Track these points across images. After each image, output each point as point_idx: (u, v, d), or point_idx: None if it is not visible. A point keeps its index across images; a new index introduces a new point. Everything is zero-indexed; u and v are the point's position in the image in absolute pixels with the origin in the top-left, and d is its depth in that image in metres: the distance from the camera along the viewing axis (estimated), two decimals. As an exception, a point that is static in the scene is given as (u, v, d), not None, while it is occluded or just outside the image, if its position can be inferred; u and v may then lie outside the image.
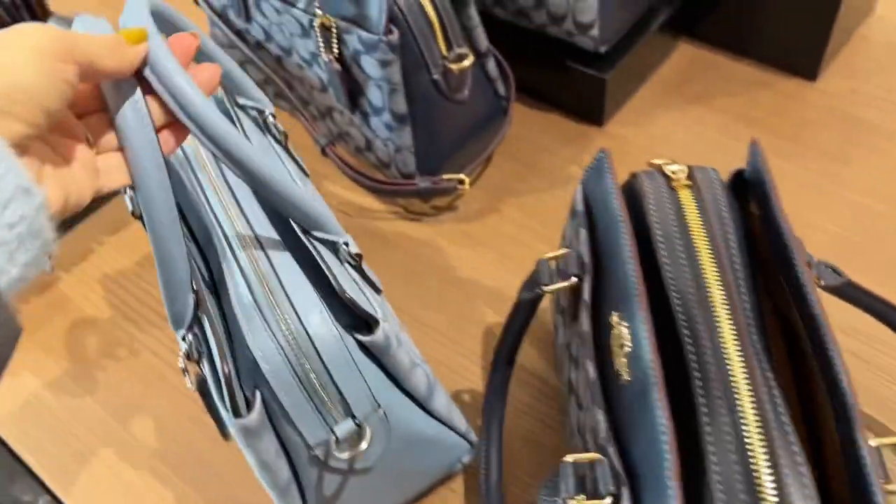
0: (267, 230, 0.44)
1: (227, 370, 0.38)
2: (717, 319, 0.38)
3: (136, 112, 0.35)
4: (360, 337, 0.40)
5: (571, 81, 0.72)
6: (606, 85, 0.70)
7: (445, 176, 0.67)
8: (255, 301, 0.40)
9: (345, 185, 0.73)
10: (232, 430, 0.41)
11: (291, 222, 0.42)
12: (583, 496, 0.37)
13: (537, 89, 0.76)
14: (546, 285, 0.45)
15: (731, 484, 0.33)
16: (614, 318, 0.41)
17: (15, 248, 0.28)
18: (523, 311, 0.48)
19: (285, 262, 0.42)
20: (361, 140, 0.70)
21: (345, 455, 0.41)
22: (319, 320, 0.40)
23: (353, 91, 0.65)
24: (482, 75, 0.67)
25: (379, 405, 0.42)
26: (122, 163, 0.36)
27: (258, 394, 0.40)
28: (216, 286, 0.44)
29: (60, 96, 0.31)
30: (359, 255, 0.43)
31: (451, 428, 0.48)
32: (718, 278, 0.39)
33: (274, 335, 0.39)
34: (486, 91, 0.68)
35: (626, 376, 0.38)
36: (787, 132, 0.72)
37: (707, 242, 0.41)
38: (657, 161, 0.46)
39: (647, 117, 0.75)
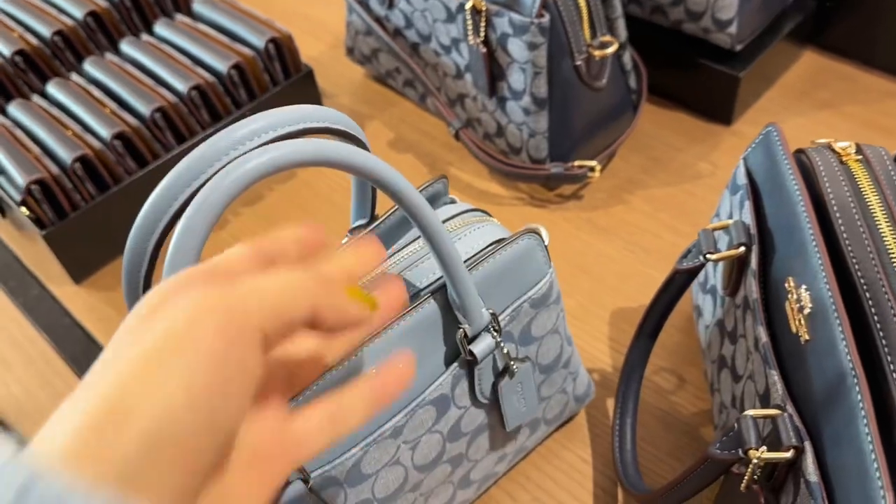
0: None
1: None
2: (904, 283, 0.38)
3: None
4: None
5: (703, 79, 0.73)
6: (740, 83, 0.70)
7: (577, 163, 0.68)
8: None
9: (469, 170, 0.75)
10: None
11: None
12: (764, 448, 0.37)
13: (665, 87, 0.77)
14: (710, 253, 0.45)
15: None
16: (790, 283, 0.41)
17: None
18: (678, 282, 0.49)
19: None
20: (493, 126, 0.71)
21: None
22: None
23: (494, 75, 0.67)
24: (618, 67, 0.68)
25: None
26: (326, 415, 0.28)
27: None
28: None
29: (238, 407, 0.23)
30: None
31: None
32: (899, 244, 0.39)
33: None
34: (619, 83, 0.69)
35: (806, 336, 0.39)
36: (919, 141, 0.71)
37: (883, 210, 0.41)
38: (823, 140, 0.47)
39: (775, 119, 0.75)
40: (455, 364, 0.42)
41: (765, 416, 0.38)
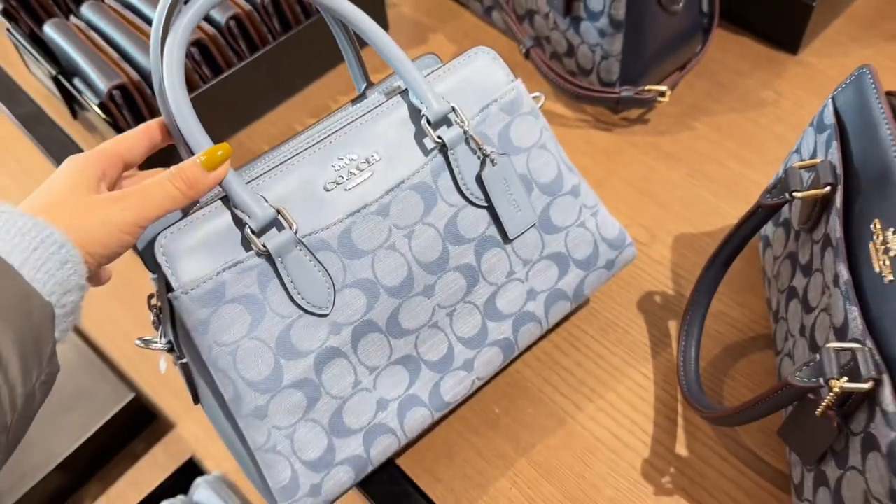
0: None
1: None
2: None
3: None
4: None
5: (773, 5, 0.72)
6: (813, 10, 0.70)
7: (647, 87, 0.68)
8: None
9: (533, 90, 0.75)
10: None
11: None
12: (845, 378, 0.40)
13: (732, 12, 0.76)
14: (797, 191, 0.47)
15: None
16: (876, 225, 0.43)
17: (62, 320, 0.38)
18: (760, 216, 0.51)
19: None
20: (563, 45, 0.72)
21: None
22: None
23: (572, -6, 0.67)
24: (693, -9, 0.68)
25: None
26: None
27: None
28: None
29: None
30: None
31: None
32: None
33: None
34: (693, 6, 0.69)
35: (890, 276, 0.41)
36: None
37: (975, 160, 0.42)
38: (913, 83, 0.48)
39: (842, 50, 0.75)
40: (431, 153, 0.48)
41: (844, 350, 0.41)
